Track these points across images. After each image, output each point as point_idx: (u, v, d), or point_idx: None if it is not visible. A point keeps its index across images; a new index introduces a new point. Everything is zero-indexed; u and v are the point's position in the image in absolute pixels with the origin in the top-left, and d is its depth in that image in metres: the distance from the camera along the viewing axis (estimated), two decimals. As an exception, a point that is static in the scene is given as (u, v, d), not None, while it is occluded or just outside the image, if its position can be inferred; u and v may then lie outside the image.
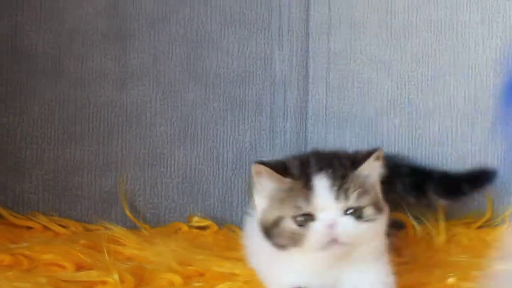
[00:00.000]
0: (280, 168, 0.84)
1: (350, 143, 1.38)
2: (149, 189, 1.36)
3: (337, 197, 0.79)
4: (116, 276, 0.94)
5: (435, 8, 1.38)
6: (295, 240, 0.80)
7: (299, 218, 0.80)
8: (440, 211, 1.33)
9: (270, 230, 0.82)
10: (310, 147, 1.40)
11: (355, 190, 0.80)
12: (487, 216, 1.34)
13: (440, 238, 1.26)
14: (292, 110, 1.40)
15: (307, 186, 0.80)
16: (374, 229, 0.83)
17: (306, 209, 0.79)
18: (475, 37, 1.37)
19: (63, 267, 1.03)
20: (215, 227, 1.30)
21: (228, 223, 1.32)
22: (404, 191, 1.23)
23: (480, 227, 1.32)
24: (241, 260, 1.02)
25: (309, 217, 0.79)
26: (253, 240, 0.94)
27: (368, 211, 0.82)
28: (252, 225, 0.92)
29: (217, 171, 1.37)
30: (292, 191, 0.81)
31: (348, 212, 0.80)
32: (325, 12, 1.40)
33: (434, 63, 1.38)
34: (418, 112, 1.38)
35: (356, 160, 0.85)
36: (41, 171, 1.34)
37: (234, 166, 1.38)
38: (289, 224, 0.80)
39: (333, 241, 0.78)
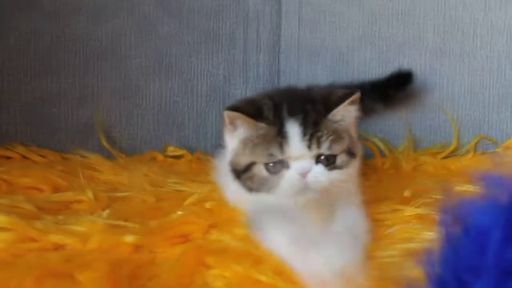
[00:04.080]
0: (254, 112, 0.82)
1: (321, 76, 1.41)
2: (125, 120, 1.39)
3: (309, 146, 0.79)
4: (90, 195, 0.98)
5: None
6: (266, 187, 0.80)
7: (271, 165, 0.79)
8: (408, 141, 1.38)
9: (240, 174, 0.82)
10: (283, 80, 1.44)
11: (328, 138, 0.80)
12: (453, 146, 1.39)
13: (407, 166, 1.31)
14: (265, 44, 1.42)
15: (281, 133, 0.79)
16: (346, 175, 0.82)
17: (279, 157, 0.79)
18: (444, -30, 1.40)
19: (41, 190, 1.06)
20: (189, 156, 1.34)
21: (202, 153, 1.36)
22: None
23: (446, 157, 1.37)
24: (210, 182, 1.05)
25: (281, 164, 0.79)
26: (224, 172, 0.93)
27: (341, 159, 0.81)
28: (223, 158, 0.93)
29: (192, 103, 1.40)
30: (266, 137, 0.80)
31: (321, 158, 0.80)
32: None
33: (404, -3, 1.41)
34: (389, 46, 1.41)
35: (329, 103, 0.83)
36: (18, 103, 1.36)
37: (208, 98, 1.41)
38: (261, 170, 0.80)
39: (305, 188, 0.79)
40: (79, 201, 0.99)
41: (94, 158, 1.22)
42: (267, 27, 1.42)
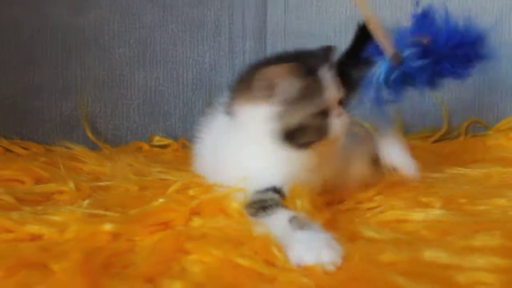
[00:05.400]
0: (295, 66, 0.84)
1: (309, 62, 1.39)
2: (110, 111, 1.37)
3: (338, 89, 0.84)
4: (72, 185, 0.95)
5: None
6: (319, 134, 0.83)
7: (319, 115, 0.82)
8: (398, 125, 1.36)
9: (294, 133, 0.83)
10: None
11: (340, 84, 0.85)
12: (444, 130, 1.37)
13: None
14: (251, 31, 1.40)
15: (319, 82, 0.83)
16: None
17: (324, 104, 0.83)
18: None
19: (23, 182, 1.04)
20: (175, 146, 1.32)
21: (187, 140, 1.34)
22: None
23: (437, 140, 1.36)
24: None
25: (325, 112, 0.83)
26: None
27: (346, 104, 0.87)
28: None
29: (177, 92, 1.39)
30: (308, 89, 0.82)
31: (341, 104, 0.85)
32: None
33: (390, -22, 1.39)
34: (376, 30, 1.39)
35: (324, 56, 0.89)
36: (0, 96, 1.34)
37: (194, 86, 1.39)
38: (312, 122, 0.83)
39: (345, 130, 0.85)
40: (61, 192, 0.96)
41: (79, 150, 1.20)
42: (252, 13, 1.40)
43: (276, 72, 0.82)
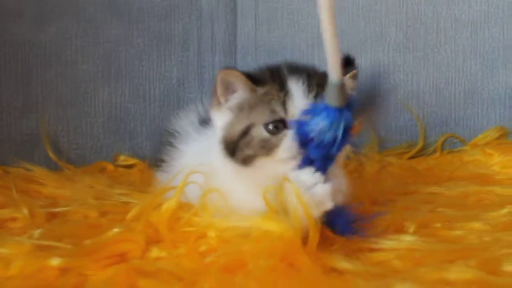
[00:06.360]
0: (252, 77, 0.76)
1: (281, 77, 1.35)
2: (72, 130, 1.31)
3: (305, 99, 0.74)
4: (25, 212, 0.90)
5: None
6: (265, 149, 0.74)
7: (271, 126, 0.73)
8: (372, 142, 1.32)
9: (237, 143, 0.75)
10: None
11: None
12: (419, 146, 1.34)
13: (372, 169, 1.25)
14: (221, 44, 1.36)
15: (283, 89, 0.74)
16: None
17: (281, 114, 0.73)
18: (403, -37, 1.35)
19: (-25, 208, 0.98)
20: (142, 165, 1.26)
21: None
22: None
23: (412, 157, 1.32)
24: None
25: (281, 125, 0.73)
26: None
27: None
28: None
29: (144, 109, 1.33)
30: (266, 96, 0.75)
31: None
32: None
33: (363, -9, 1.35)
34: (350, 43, 1.35)
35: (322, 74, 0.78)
36: (-45, 115, 1.27)
37: (161, 103, 1.34)
38: (261, 132, 0.74)
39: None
40: (14, 219, 0.90)
41: (38, 171, 1.14)
42: (222, 27, 1.36)
43: (233, 76, 0.76)
